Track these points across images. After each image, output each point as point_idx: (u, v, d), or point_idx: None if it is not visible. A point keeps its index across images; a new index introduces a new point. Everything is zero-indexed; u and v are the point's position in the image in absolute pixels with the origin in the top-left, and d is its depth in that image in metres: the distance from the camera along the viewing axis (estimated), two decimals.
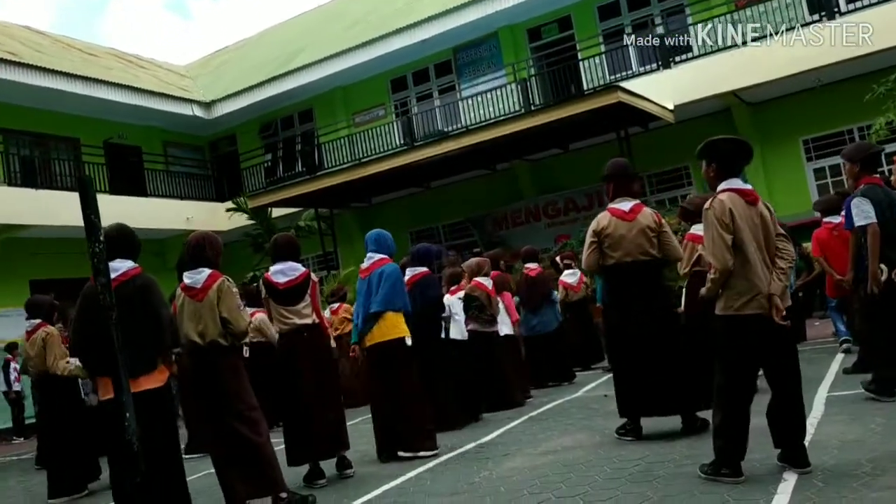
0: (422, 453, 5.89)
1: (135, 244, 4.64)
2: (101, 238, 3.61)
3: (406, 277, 7.04)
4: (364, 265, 6.19)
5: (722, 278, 3.90)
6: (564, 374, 9.37)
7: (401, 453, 5.94)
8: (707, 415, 5.19)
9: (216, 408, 4.81)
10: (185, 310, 4.86)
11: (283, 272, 5.52)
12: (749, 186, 4.02)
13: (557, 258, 11.22)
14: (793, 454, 3.89)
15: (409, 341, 6.11)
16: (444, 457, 5.82)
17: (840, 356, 7.67)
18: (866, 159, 5.77)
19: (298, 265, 5.58)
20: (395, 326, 6.02)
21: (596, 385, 8.83)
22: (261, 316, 8.03)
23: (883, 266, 5.47)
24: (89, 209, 3.60)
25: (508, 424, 6.92)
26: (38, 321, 7.05)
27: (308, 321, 5.48)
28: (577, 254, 13.40)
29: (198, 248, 4.98)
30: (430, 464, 5.62)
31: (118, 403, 3.52)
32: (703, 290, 4.11)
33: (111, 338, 3.57)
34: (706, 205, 4.03)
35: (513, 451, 5.63)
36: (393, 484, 5.13)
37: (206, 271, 4.92)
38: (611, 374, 9.41)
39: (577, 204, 16.57)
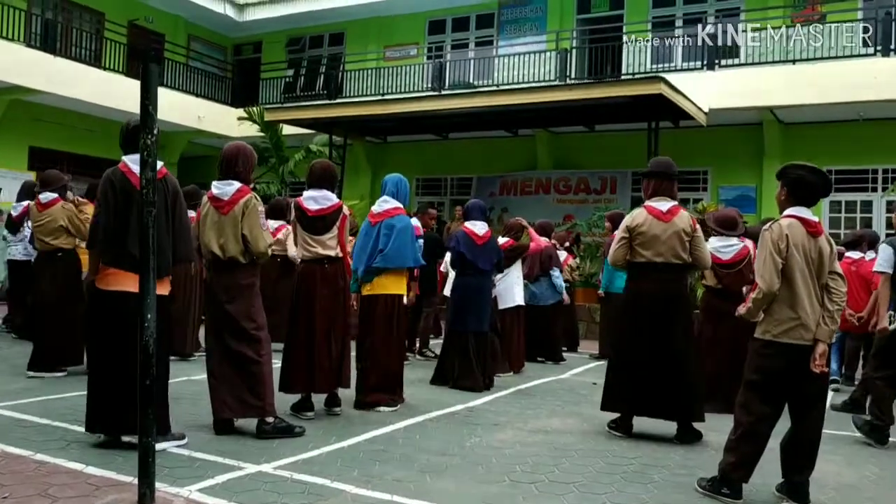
0: (381, 408, 5.79)
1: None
2: (156, 131, 3.47)
3: (480, 232, 7.22)
4: (376, 209, 5.96)
5: (765, 300, 3.83)
6: (553, 353, 9.31)
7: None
8: (700, 426, 5.26)
9: (224, 322, 4.75)
10: (208, 220, 4.79)
11: (316, 200, 5.39)
12: (815, 218, 3.92)
13: None
14: (795, 487, 3.87)
15: (405, 300, 6.13)
16: (434, 413, 5.81)
17: (830, 394, 7.70)
18: None
19: (332, 195, 5.44)
20: (397, 282, 5.94)
21: (583, 370, 8.84)
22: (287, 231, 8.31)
23: (892, 312, 5.57)
24: (148, 99, 3.45)
25: (497, 393, 6.90)
26: (54, 195, 6.89)
27: (331, 253, 5.37)
28: (581, 236, 13.36)
29: (231, 161, 4.86)
30: (420, 418, 5.60)
31: (141, 303, 3.41)
32: (741, 309, 4.05)
33: (144, 232, 3.45)
34: (766, 226, 3.94)
35: (502, 423, 5.61)
36: (382, 431, 5.11)
37: (236, 185, 4.82)
38: (598, 362, 9.53)
39: (590, 186, 16.39)
